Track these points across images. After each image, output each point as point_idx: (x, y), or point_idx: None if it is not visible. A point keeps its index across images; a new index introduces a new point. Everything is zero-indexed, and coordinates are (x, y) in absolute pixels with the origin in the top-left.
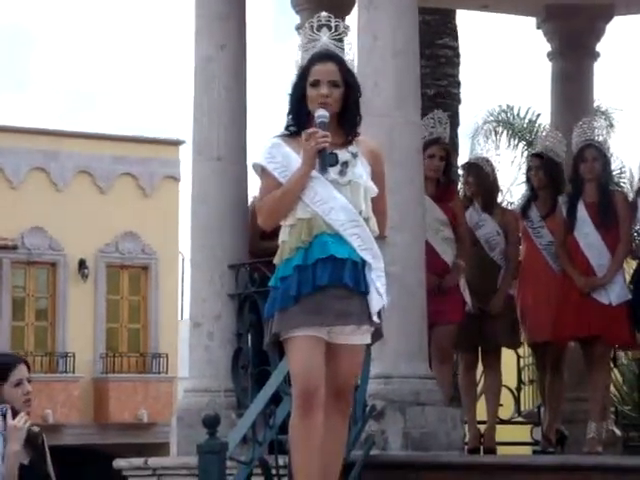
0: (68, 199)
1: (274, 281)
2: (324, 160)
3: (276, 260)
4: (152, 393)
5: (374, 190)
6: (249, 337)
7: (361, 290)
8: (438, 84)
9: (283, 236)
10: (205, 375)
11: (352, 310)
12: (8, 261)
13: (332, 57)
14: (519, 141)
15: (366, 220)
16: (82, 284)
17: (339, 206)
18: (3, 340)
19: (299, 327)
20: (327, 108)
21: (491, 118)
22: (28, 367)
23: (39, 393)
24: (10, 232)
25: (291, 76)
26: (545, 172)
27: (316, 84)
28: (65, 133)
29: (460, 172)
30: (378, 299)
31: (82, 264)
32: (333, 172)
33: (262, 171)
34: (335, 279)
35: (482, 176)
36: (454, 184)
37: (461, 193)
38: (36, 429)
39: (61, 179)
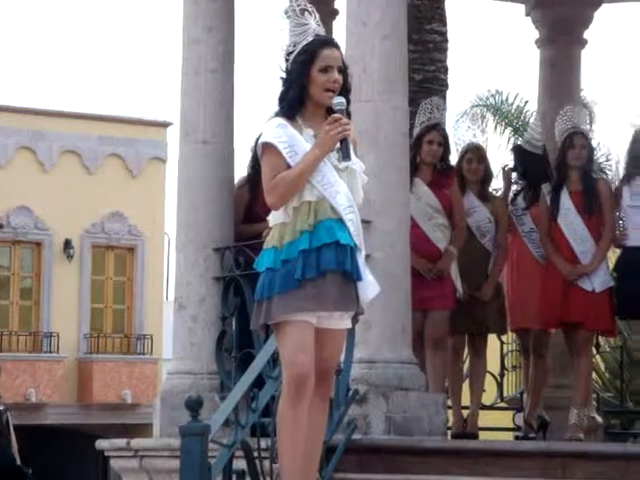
0: (54, 179)
1: (273, 263)
2: (347, 148)
3: (273, 242)
4: (136, 374)
5: (365, 178)
6: (233, 320)
7: (355, 277)
8: (426, 69)
9: (281, 218)
10: (189, 357)
11: (350, 296)
12: None
13: (335, 43)
14: (506, 127)
15: (358, 206)
16: (67, 264)
17: (342, 191)
18: None
19: (299, 311)
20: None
21: (479, 102)
22: None
23: (23, 372)
24: None
25: (280, 60)
26: (520, 165)
27: (326, 70)
28: (53, 113)
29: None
30: (373, 286)
31: (68, 244)
32: (334, 157)
33: (268, 150)
34: (339, 264)
35: (487, 162)
36: (452, 170)
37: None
38: (0, 407)
39: (48, 159)
